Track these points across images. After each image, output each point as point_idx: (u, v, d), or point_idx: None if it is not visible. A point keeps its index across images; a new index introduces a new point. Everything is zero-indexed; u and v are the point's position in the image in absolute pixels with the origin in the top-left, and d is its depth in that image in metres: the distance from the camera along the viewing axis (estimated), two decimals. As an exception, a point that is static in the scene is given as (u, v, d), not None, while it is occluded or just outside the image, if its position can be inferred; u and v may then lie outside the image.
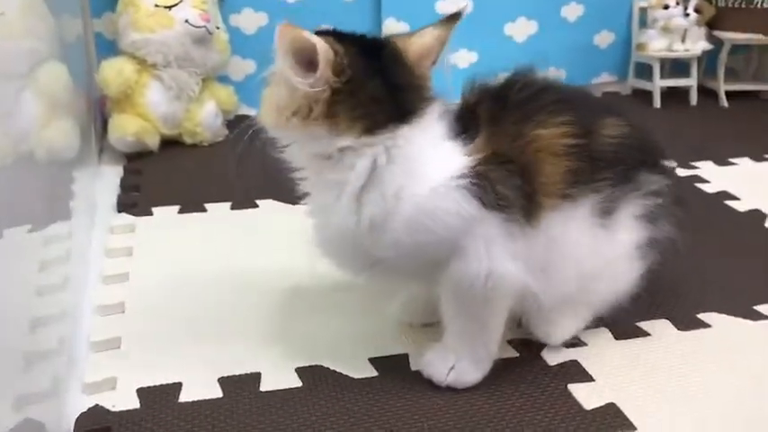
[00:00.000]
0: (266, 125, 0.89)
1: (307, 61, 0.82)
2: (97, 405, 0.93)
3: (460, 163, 0.85)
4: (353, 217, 0.86)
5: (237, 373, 0.99)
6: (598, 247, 0.94)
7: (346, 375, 0.98)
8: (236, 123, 2.02)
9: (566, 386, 0.96)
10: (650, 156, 1.00)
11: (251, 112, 2.14)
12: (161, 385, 0.96)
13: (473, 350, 0.95)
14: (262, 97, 0.90)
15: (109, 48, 1.95)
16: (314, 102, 0.83)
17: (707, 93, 2.29)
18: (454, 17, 0.90)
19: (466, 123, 0.89)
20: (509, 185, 0.85)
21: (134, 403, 0.93)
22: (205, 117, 1.89)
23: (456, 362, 0.94)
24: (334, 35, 0.85)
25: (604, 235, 0.94)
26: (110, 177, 1.71)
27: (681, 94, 2.29)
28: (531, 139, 0.87)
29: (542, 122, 0.88)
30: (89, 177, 1.54)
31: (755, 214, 1.50)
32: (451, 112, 0.90)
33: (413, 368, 0.99)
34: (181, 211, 1.51)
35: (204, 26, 1.83)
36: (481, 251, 0.86)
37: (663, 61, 2.25)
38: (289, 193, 1.55)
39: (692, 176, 1.70)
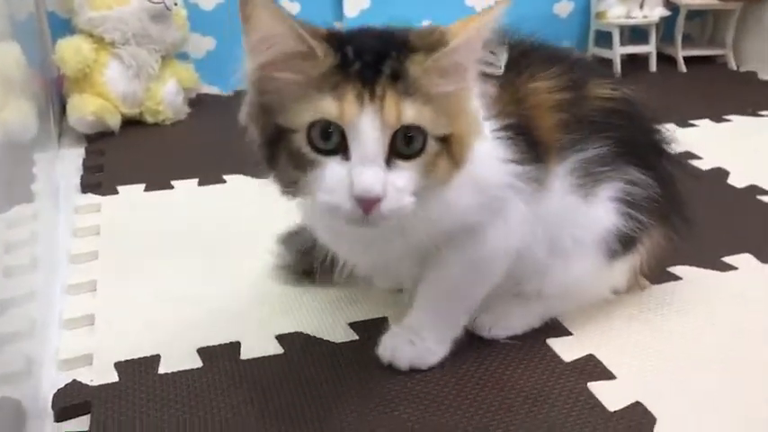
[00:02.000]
0: None
1: None
2: (74, 380, 0.91)
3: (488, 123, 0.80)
4: None
5: (216, 343, 0.98)
6: (573, 215, 0.90)
7: (327, 340, 0.98)
8: (198, 101, 2.01)
9: (544, 340, 0.97)
10: (642, 137, 0.95)
11: (212, 90, 2.12)
12: (139, 358, 0.95)
13: (442, 330, 0.93)
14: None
15: (63, 27, 1.89)
16: None
17: (665, 59, 2.33)
18: None
19: None
20: (524, 145, 0.82)
21: (113, 377, 0.92)
22: (166, 95, 1.85)
23: (419, 342, 0.92)
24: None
25: (581, 204, 0.90)
26: (71, 159, 1.67)
27: (640, 60, 2.32)
28: (528, 93, 0.85)
29: (536, 77, 0.86)
30: (50, 159, 1.50)
31: (718, 171, 1.53)
32: None
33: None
34: (147, 189, 1.49)
35: (162, 2, 1.79)
36: (510, 221, 0.83)
37: (622, 29, 2.28)
38: (257, 168, 1.54)
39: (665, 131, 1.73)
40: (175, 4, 1.87)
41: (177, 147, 1.75)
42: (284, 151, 0.70)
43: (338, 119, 0.67)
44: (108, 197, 1.45)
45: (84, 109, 1.74)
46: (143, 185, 1.50)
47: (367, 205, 0.67)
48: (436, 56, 0.68)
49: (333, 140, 0.68)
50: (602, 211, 0.91)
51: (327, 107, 0.67)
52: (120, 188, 1.48)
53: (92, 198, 1.44)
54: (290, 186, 0.73)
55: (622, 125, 0.91)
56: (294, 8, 2.14)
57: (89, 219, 1.35)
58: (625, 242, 0.93)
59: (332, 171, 0.68)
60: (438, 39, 0.69)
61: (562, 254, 0.91)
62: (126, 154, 1.70)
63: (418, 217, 0.73)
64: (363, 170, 0.67)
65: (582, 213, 0.90)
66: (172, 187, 1.50)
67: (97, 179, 1.53)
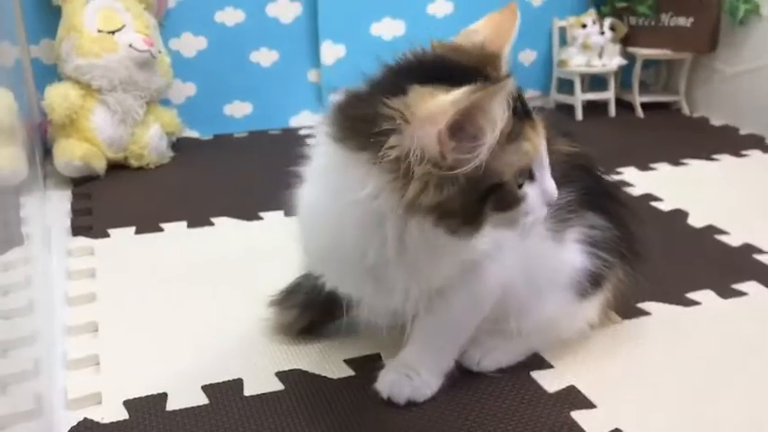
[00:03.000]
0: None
1: None
2: (86, 418, 0.95)
3: None
4: None
5: (220, 381, 1.02)
6: (547, 256, 0.97)
7: (324, 377, 1.04)
8: (180, 145, 2.06)
9: (528, 373, 1.04)
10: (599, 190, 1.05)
11: (192, 134, 2.18)
12: (147, 396, 0.99)
13: (437, 365, 0.99)
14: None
15: (48, 73, 1.94)
16: None
17: (624, 105, 2.46)
18: None
19: None
20: None
21: (123, 415, 0.96)
22: (150, 140, 1.90)
23: (416, 377, 0.98)
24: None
25: (553, 247, 0.97)
26: (58, 202, 1.71)
27: (600, 106, 2.45)
28: None
29: None
30: (38, 203, 1.53)
31: (678, 213, 1.64)
32: None
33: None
34: (137, 232, 1.53)
35: (148, 50, 1.85)
36: (506, 254, 0.91)
37: (583, 76, 2.41)
38: (243, 210, 1.61)
39: (618, 181, 1.83)
40: (160, 52, 1.94)
41: (163, 190, 1.80)
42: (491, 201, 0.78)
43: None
44: (100, 240, 1.49)
45: (72, 154, 1.78)
46: (133, 228, 1.54)
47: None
48: None
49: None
50: (571, 253, 0.99)
51: (529, 150, 0.78)
52: (111, 231, 1.52)
53: (84, 241, 1.48)
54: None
55: (582, 176, 1.01)
56: (273, 57, 2.22)
57: (83, 262, 1.39)
58: (593, 280, 1.01)
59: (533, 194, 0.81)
60: None
61: (538, 293, 0.98)
62: (113, 197, 1.74)
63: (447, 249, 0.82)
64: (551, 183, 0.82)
65: (554, 255, 0.98)
66: (162, 230, 1.54)
67: (87, 222, 1.57)
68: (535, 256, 0.96)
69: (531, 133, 0.79)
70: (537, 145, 0.79)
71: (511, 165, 0.77)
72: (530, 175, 0.81)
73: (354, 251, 0.83)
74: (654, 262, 1.36)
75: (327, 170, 0.83)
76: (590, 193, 1.01)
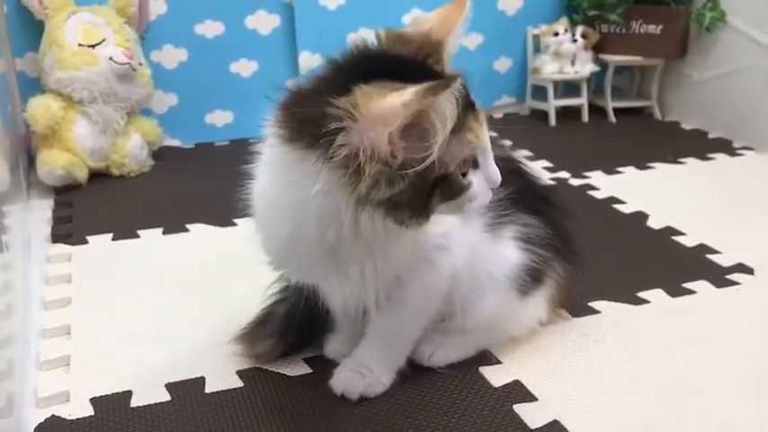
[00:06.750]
0: None
1: None
2: (53, 415, 1.01)
3: None
4: None
5: (183, 379, 1.08)
6: (485, 251, 1.02)
7: (283, 374, 1.09)
8: (162, 154, 2.12)
9: (477, 369, 1.10)
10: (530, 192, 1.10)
11: (173, 142, 2.24)
12: (113, 394, 1.05)
13: (389, 362, 1.04)
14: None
15: (32, 85, 2.00)
16: None
17: (596, 110, 2.52)
18: None
19: None
20: None
21: (89, 411, 1.01)
22: (131, 149, 1.97)
23: (369, 374, 1.03)
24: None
25: (491, 241, 1.02)
26: (40, 211, 1.77)
27: (573, 112, 2.50)
28: None
29: None
30: (20, 211, 1.59)
31: (639, 215, 1.69)
32: None
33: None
34: (114, 238, 1.59)
35: (128, 63, 1.92)
36: (456, 246, 0.97)
37: (556, 83, 2.47)
38: (218, 217, 1.66)
39: (584, 185, 1.90)
40: (140, 64, 2.00)
41: (142, 198, 1.85)
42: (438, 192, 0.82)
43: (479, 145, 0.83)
44: (78, 246, 1.55)
45: (54, 163, 1.84)
46: (111, 235, 1.60)
47: None
48: None
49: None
50: (507, 249, 1.05)
51: (473, 140, 0.82)
52: (89, 238, 1.58)
53: (62, 248, 1.54)
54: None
55: (512, 179, 1.04)
56: (252, 66, 2.28)
57: (61, 267, 1.45)
58: (532, 276, 1.07)
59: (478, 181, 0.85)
60: None
61: (479, 289, 1.03)
62: (93, 205, 1.80)
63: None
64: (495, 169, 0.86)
65: (492, 250, 1.03)
66: (138, 236, 1.60)
67: (67, 230, 1.63)
68: (475, 250, 1.01)
69: (475, 124, 0.82)
70: (480, 135, 0.83)
71: (456, 156, 0.81)
72: (474, 163, 0.85)
73: (312, 236, 0.85)
74: (609, 262, 1.44)
75: (279, 168, 0.85)
76: (521, 194, 1.06)
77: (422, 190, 0.80)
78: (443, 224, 0.94)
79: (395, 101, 0.73)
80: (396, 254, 0.91)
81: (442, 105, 0.74)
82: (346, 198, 0.79)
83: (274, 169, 0.87)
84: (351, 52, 0.85)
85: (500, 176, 0.86)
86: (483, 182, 0.86)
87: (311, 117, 0.78)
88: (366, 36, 0.88)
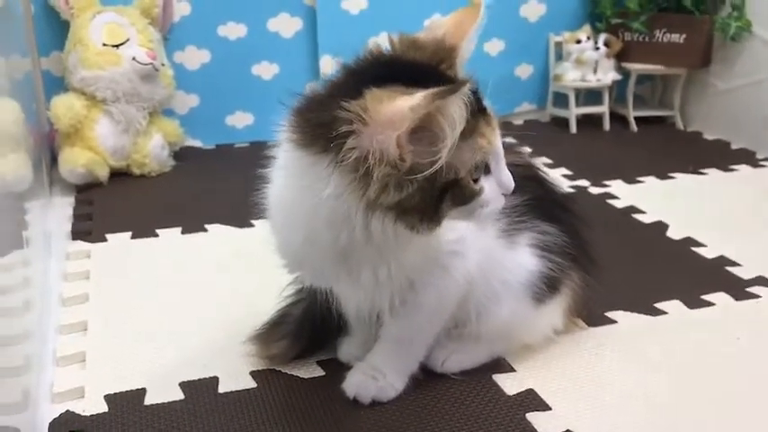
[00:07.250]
0: None
1: None
2: (68, 411, 1.02)
3: None
4: None
5: (197, 378, 1.09)
6: (500, 257, 1.02)
7: (296, 376, 1.10)
8: (182, 154, 2.14)
9: (490, 376, 1.09)
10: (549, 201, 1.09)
11: (195, 143, 2.25)
12: (127, 391, 1.06)
13: (402, 367, 1.04)
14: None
15: (57, 84, 2.02)
16: None
17: (618, 118, 2.50)
18: None
19: None
20: None
21: (103, 408, 1.02)
22: (152, 149, 1.98)
23: (382, 379, 1.03)
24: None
25: (506, 248, 1.02)
26: (62, 208, 1.79)
27: (594, 120, 2.49)
28: None
29: None
30: (42, 208, 1.61)
31: (658, 225, 1.68)
32: None
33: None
34: (133, 237, 1.60)
35: (151, 63, 1.93)
36: (470, 252, 0.96)
37: (577, 91, 2.46)
38: (235, 218, 1.67)
39: (603, 194, 1.88)
40: (163, 65, 2.01)
41: (162, 197, 1.87)
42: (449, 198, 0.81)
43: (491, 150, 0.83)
44: (97, 244, 1.56)
45: (76, 162, 1.86)
46: (130, 233, 1.61)
47: None
48: None
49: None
50: (523, 256, 1.04)
51: (485, 145, 0.81)
52: (108, 236, 1.60)
53: (82, 245, 1.55)
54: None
55: (530, 186, 1.04)
56: (273, 69, 2.30)
57: (79, 264, 1.46)
58: (548, 284, 1.06)
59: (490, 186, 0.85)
60: None
61: (494, 295, 1.03)
62: (113, 204, 1.82)
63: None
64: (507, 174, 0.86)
65: (508, 257, 1.03)
66: (157, 235, 1.61)
67: (87, 227, 1.65)
68: (490, 256, 1.00)
69: (486, 129, 0.81)
70: (492, 140, 0.82)
71: (467, 161, 0.80)
72: (486, 168, 0.84)
73: (326, 240, 0.85)
74: (628, 272, 1.43)
75: (293, 172, 0.85)
76: (538, 201, 1.05)
77: (431, 195, 0.80)
78: (457, 229, 0.93)
79: (403, 104, 0.73)
80: (408, 258, 0.91)
81: (451, 109, 0.74)
82: (356, 202, 0.79)
83: (288, 174, 0.87)
84: (364, 57, 0.86)
85: (513, 182, 0.86)
86: (495, 187, 0.85)
87: (323, 121, 0.78)
88: (385, 41, 0.88)
